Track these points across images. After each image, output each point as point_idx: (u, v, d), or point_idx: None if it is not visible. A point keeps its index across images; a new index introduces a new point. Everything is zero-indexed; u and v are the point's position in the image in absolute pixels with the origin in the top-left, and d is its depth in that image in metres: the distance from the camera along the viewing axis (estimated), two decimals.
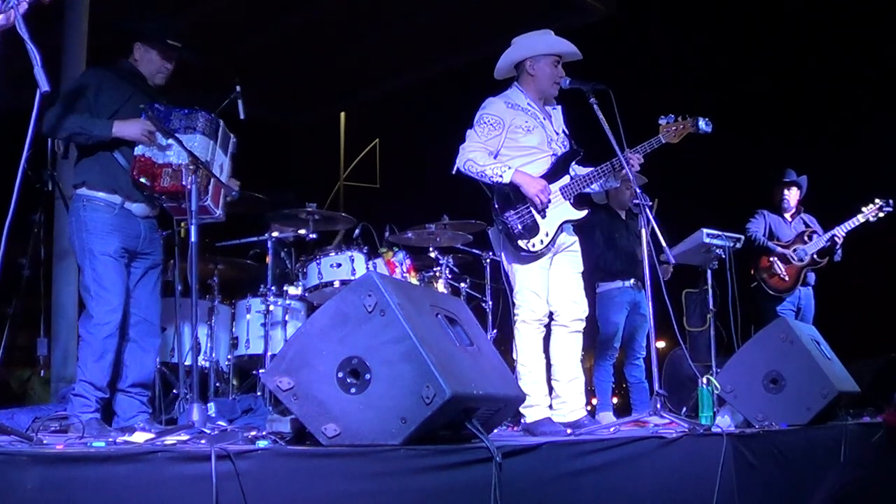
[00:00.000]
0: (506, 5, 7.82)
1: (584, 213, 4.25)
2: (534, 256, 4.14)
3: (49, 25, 5.94)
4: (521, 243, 4.12)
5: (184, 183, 3.50)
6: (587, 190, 4.35)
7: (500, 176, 4.10)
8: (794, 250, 6.50)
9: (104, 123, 3.64)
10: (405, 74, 9.62)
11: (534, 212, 4.14)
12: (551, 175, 4.20)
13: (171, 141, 3.55)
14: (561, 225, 4.18)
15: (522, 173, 4.12)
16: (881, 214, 6.37)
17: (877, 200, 6.38)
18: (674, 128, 4.26)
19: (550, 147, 4.27)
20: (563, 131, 4.41)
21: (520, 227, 4.13)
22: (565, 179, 4.24)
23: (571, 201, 4.25)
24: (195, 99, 3.85)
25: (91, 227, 3.68)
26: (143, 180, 3.59)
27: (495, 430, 3.56)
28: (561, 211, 4.20)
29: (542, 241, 4.13)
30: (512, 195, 4.14)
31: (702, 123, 4.30)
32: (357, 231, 5.62)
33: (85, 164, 3.77)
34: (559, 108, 4.44)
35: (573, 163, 4.32)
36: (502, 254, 4.25)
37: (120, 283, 3.69)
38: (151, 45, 3.89)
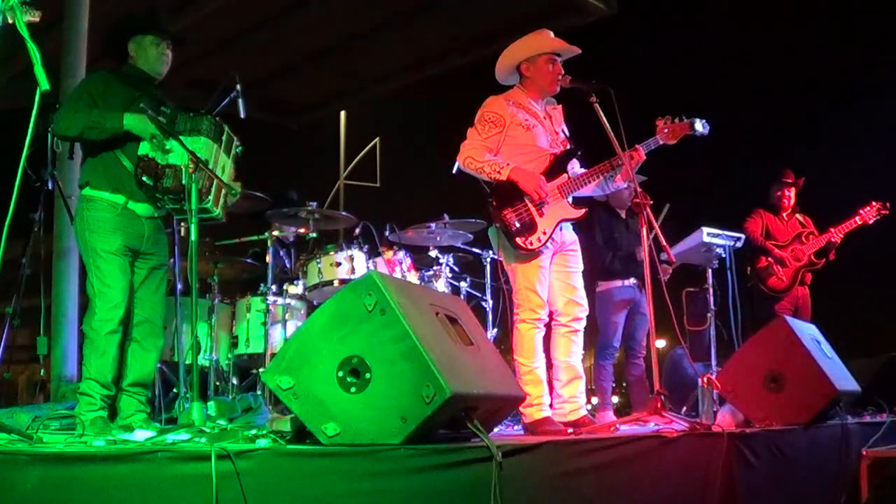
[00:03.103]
0: (506, 5, 7.82)
1: (581, 211, 4.26)
2: (532, 254, 4.14)
3: (49, 25, 5.93)
4: (519, 241, 4.12)
5: (184, 182, 3.52)
6: (587, 193, 4.35)
7: (499, 173, 4.10)
8: (791, 251, 6.50)
9: (116, 115, 3.66)
10: (405, 74, 9.62)
11: (531, 209, 4.14)
12: (549, 173, 4.20)
13: (174, 142, 3.57)
14: (559, 223, 4.19)
15: (520, 170, 4.12)
16: (878, 217, 6.38)
17: (874, 203, 6.39)
18: (671, 129, 4.27)
19: (550, 146, 4.28)
20: (563, 131, 4.42)
21: (517, 224, 4.12)
22: (563, 178, 4.24)
23: (569, 200, 4.26)
24: (195, 98, 3.85)
25: (94, 226, 3.69)
26: (145, 179, 3.61)
27: (495, 430, 3.56)
28: (559, 209, 4.20)
29: (539, 239, 4.12)
30: (510, 192, 4.14)
31: (698, 125, 4.30)
32: (357, 230, 5.63)
33: (89, 165, 3.79)
34: (559, 107, 4.45)
35: (571, 162, 4.32)
36: (502, 253, 4.26)
37: (123, 281, 3.70)
38: (143, 34, 3.87)
